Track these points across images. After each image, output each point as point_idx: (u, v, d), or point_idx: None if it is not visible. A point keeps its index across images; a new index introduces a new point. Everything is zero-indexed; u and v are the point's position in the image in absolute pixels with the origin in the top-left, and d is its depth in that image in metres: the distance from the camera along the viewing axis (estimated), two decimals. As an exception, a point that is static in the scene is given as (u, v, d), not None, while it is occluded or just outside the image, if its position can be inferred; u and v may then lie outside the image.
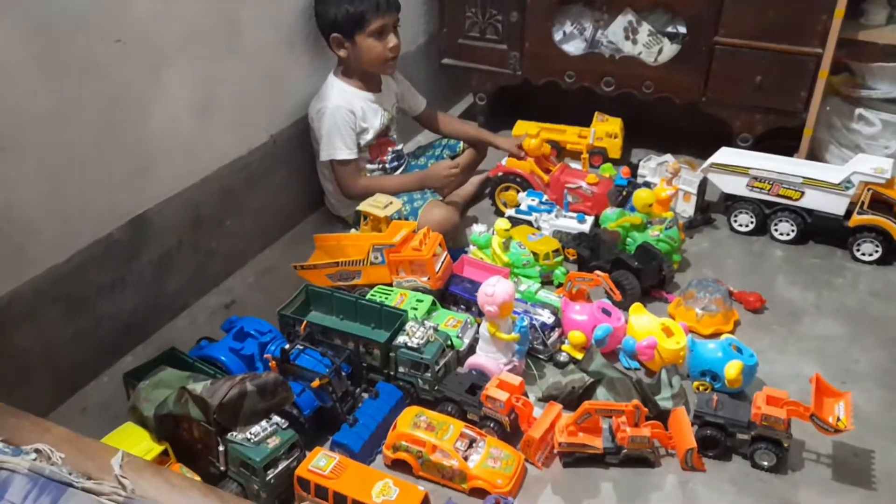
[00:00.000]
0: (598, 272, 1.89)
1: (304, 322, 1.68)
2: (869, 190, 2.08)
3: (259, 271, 2.10)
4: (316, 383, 1.53)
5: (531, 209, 2.19)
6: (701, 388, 1.66)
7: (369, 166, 2.24)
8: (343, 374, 1.58)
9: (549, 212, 2.18)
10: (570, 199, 2.27)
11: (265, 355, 1.63)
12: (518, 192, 2.31)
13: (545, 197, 2.24)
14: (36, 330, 1.55)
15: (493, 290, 1.62)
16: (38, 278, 1.54)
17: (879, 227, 2.06)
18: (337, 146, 2.12)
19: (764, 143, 2.40)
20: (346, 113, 2.12)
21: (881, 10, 2.11)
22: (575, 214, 2.16)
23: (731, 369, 1.60)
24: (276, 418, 1.44)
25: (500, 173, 2.34)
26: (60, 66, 1.48)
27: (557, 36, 2.58)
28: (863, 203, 2.08)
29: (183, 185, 1.85)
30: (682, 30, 2.42)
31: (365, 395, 1.61)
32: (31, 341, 1.55)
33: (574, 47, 2.58)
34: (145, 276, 1.79)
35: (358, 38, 2.08)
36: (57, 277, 1.57)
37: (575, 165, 2.46)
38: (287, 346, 1.58)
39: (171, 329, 1.88)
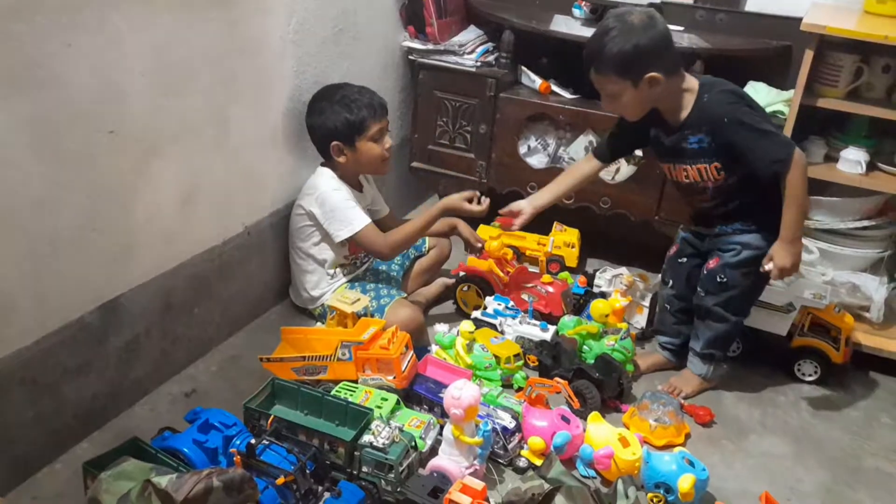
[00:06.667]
0: (557, 379, 1.96)
1: (272, 417, 1.69)
2: (809, 314, 2.22)
3: (223, 360, 2.10)
4: (281, 480, 1.52)
5: (497, 313, 2.26)
6: (655, 500, 1.71)
7: (344, 261, 2.30)
8: (307, 471, 1.59)
9: (514, 317, 2.25)
10: (525, 297, 2.36)
11: (231, 449, 1.62)
12: (478, 293, 2.39)
13: (511, 302, 2.32)
14: (-3, 412, 1.53)
15: (461, 393, 1.66)
16: (6, 359, 1.52)
17: (818, 349, 2.19)
18: (351, 218, 2.17)
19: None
20: (345, 189, 2.21)
21: (819, 149, 2.32)
22: (538, 322, 2.24)
23: (685, 483, 1.66)
24: (237, 516, 1.43)
25: (461, 273, 2.42)
26: (56, 155, 1.52)
27: (522, 149, 2.72)
28: (803, 326, 2.22)
29: (157, 272, 1.87)
30: (639, 153, 2.59)
31: (327, 494, 1.61)
32: (-9, 424, 1.52)
33: (537, 161, 2.73)
34: (111, 361, 1.78)
35: (358, 143, 2.19)
36: (25, 360, 1.55)
37: (533, 269, 2.56)
38: (254, 441, 1.58)
39: (130, 416, 1.85)
